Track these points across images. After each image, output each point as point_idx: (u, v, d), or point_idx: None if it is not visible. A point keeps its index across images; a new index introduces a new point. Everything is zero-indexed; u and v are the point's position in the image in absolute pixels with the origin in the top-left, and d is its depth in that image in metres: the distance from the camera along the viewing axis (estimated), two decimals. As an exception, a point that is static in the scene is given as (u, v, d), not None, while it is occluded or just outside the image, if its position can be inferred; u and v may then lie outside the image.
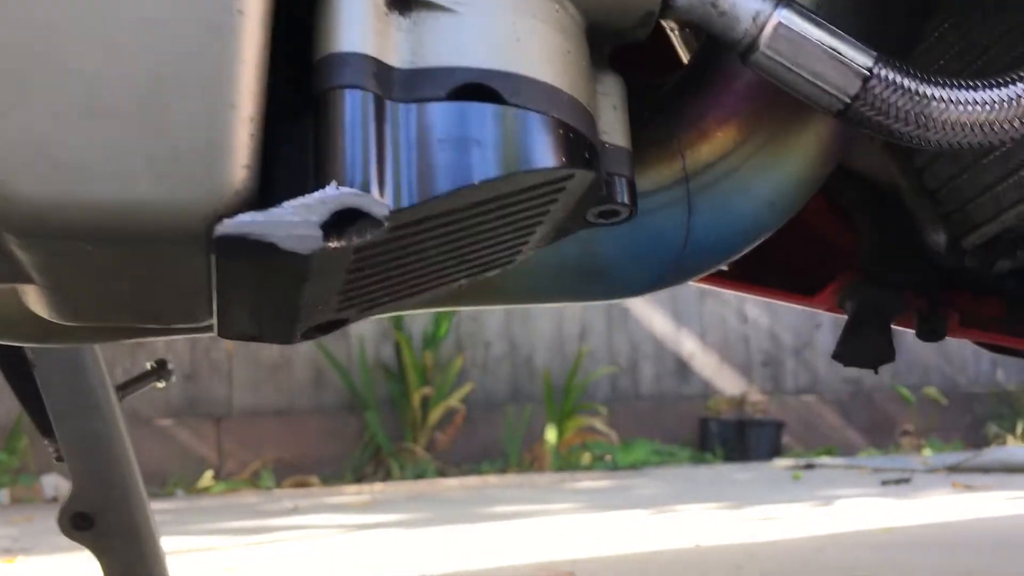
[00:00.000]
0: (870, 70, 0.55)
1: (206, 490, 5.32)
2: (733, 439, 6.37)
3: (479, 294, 0.65)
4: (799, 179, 0.64)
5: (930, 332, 0.80)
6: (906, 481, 4.06)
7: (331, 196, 0.42)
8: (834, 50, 0.55)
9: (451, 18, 0.47)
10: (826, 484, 4.18)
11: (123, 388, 0.92)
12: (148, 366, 0.96)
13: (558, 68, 0.49)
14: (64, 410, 0.87)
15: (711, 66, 0.63)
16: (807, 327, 6.79)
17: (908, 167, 0.79)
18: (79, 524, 0.91)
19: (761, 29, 0.55)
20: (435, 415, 5.84)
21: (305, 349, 5.70)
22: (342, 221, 0.43)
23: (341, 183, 0.43)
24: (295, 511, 3.98)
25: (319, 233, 0.42)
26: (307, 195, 0.42)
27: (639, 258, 0.64)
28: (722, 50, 0.61)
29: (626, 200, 0.53)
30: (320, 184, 0.43)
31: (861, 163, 0.84)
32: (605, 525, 2.96)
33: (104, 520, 0.91)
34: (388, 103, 0.45)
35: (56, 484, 5.31)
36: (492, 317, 6.17)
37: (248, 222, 0.42)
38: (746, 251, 0.66)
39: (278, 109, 0.45)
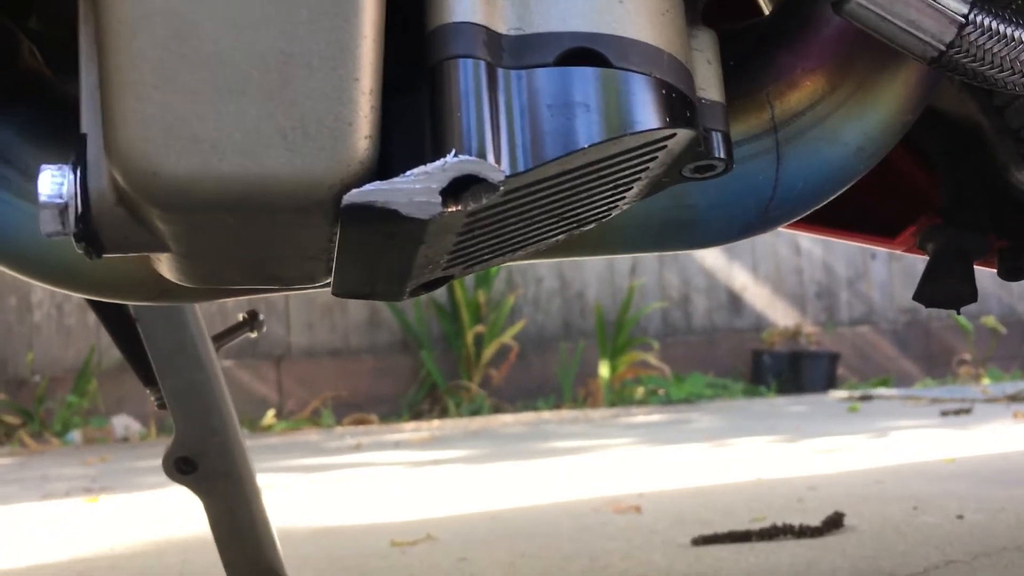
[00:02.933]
0: (966, 16, 0.55)
1: (269, 428, 5.47)
2: (787, 371, 6.36)
3: (571, 247, 0.67)
4: (887, 125, 0.65)
5: (1013, 271, 0.81)
6: (967, 412, 4.03)
7: (451, 164, 0.44)
8: (929, -3, 0.55)
9: (556, -17, 0.48)
10: (884, 415, 4.17)
11: (219, 339, 0.96)
12: (240, 317, 0.99)
13: (658, 28, 0.50)
14: (167, 362, 0.91)
15: (799, 14, 0.63)
16: (861, 258, 6.71)
17: (988, 106, 0.79)
18: (183, 468, 0.96)
19: (855, -21, 0.55)
20: (488, 352, 5.91)
21: (359, 289, 5.76)
22: (459, 187, 0.45)
23: (459, 151, 0.45)
24: (358, 448, 4.09)
25: (439, 199, 0.45)
26: (428, 163, 0.44)
27: (728, 208, 0.65)
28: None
29: (722, 155, 0.55)
30: (438, 152, 0.45)
31: (940, 102, 0.84)
32: (664, 459, 3.00)
33: (206, 464, 0.96)
34: (499, 70, 0.46)
35: (126, 424, 5.50)
36: (543, 254, 6.17)
37: (373, 190, 0.44)
38: (833, 197, 0.67)
39: (388, 79, 0.47)
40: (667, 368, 6.21)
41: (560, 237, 0.58)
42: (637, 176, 0.54)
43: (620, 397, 5.99)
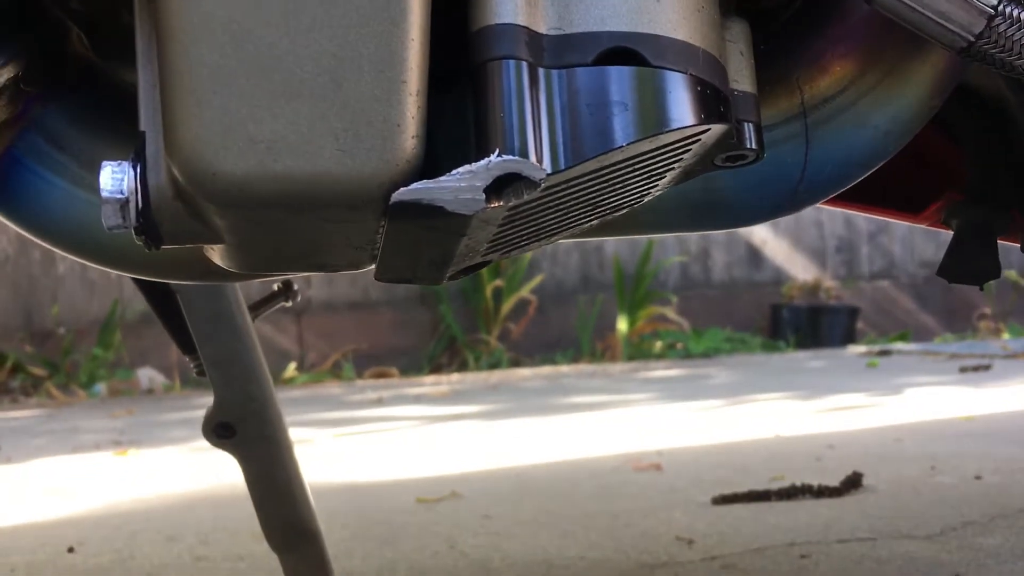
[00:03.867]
0: (995, 8, 0.56)
1: (291, 381, 5.54)
2: (806, 326, 6.36)
3: (603, 228, 0.68)
4: (915, 109, 0.66)
5: (1036, 248, 0.82)
6: (986, 368, 4.04)
7: (495, 163, 0.46)
8: (959, -12, 0.56)
9: (595, -17, 0.49)
10: (902, 371, 4.19)
11: (255, 309, 0.99)
12: (275, 287, 1.02)
13: (694, 25, 0.51)
14: (206, 332, 0.94)
15: (829, 3, 0.64)
16: (883, 212, 6.64)
17: (1015, 82, 0.80)
18: (222, 433, 0.99)
19: (886, -30, 0.56)
20: (507, 306, 5.94)
21: (378, 243, 5.79)
22: (501, 184, 0.47)
23: (502, 150, 0.46)
24: (380, 402, 4.15)
25: (482, 196, 0.47)
26: (473, 163, 0.46)
27: (758, 190, 0.67)
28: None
29: (754, 145, 0.56)
30: (482, 150, 0.47)
31: (967, 77, 0.85)
32: (683, 415, 3.04)
33: (244, 429, 0.99)
34: (540, 70, 0.48)
35: (151, 376, 5.59)
36: (563, 209, 6.17)
37: (421, 188, 0.46)
38: (859, 180, 0.69)
39: (433, 77, 0.48)
40: (685, 322, 6.23)
41: (594, 223, 0.60)
42: (671, 167, 0.55)
43: (638, 351, 6.02)
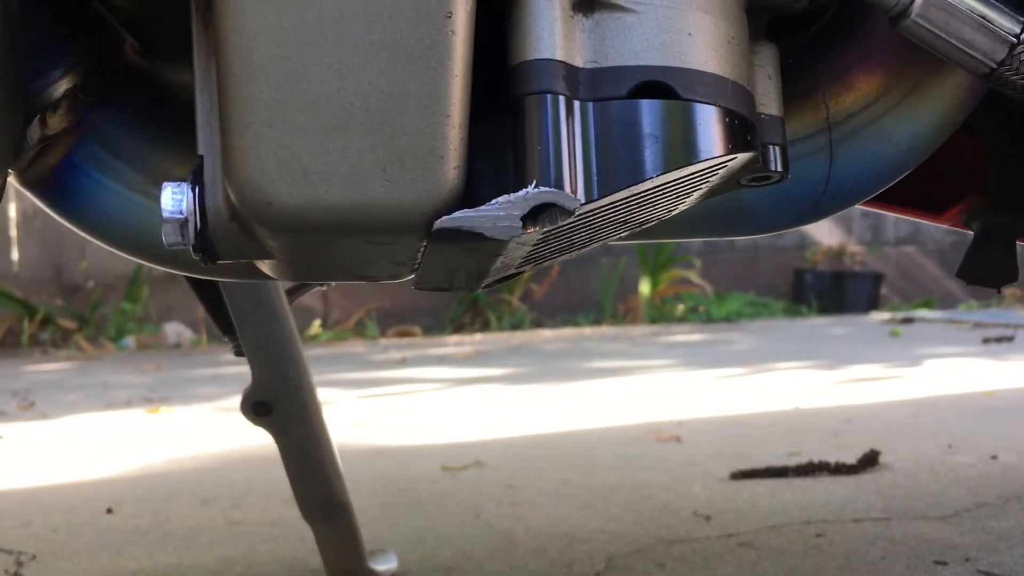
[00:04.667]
0: (1017, 36, 0.58)
1: (315, 338, 5.62)
2: (829, 291, 6.35)
3: (630, 235, 0.71)
4: (938, 126, 0.68)
5: (1055, 253, 0.84)
6: (1009, 339, 4.04)
7: (532, 194, 0.49)
8: (983, 17, 0.58)
9: (630, 17, 0.51)
10: (925, 341, 4.19)
11: (291, 293, 1.02)
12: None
13: (724, 57, 0.53)
14: (245, 314, 0.98)
15: (856, 18, 0.66)
16: (911, 178, 6.59)
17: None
18: (259, 411, 1.03)
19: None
20: (530, 267, 5.96)
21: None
22: (537, 212, 0.50)
23: (539, 181, 0.49)
24: (403, 363, 4.20)
25: (519, 224, 0.49)
26: (511, 194, 0.49)
27: (781, 201, 0.69)
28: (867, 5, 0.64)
29: (779, 168, 0.58)
30: (520, 180, 0.50)
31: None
32: (704, 383, 3.07)
33: (281, 407, 1.03)
34: (576, 102, 0.51)
35: (178, 331, 5.68)
36: (587, 171, 6.16)
37: (462, 217, 0.49)
38: (881, 191, 0.71)
39: (473, 107, 0.51)
40: (708, 286, 6.24)
41: (623, 235, 0.63)
42: (698, 188, 0.58)
43: (660, 314, 6.04)
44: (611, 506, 1.54)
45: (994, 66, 0.59)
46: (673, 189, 0.56)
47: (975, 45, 0.58)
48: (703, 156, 0.51)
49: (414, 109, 0.48)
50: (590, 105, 0.51)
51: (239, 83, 0.47)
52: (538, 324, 5.98)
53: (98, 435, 2.48)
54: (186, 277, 1.02)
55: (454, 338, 5.50)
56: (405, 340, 5.52)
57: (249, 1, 0.46)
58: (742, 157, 0.54)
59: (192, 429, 2.54)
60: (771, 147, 0.58)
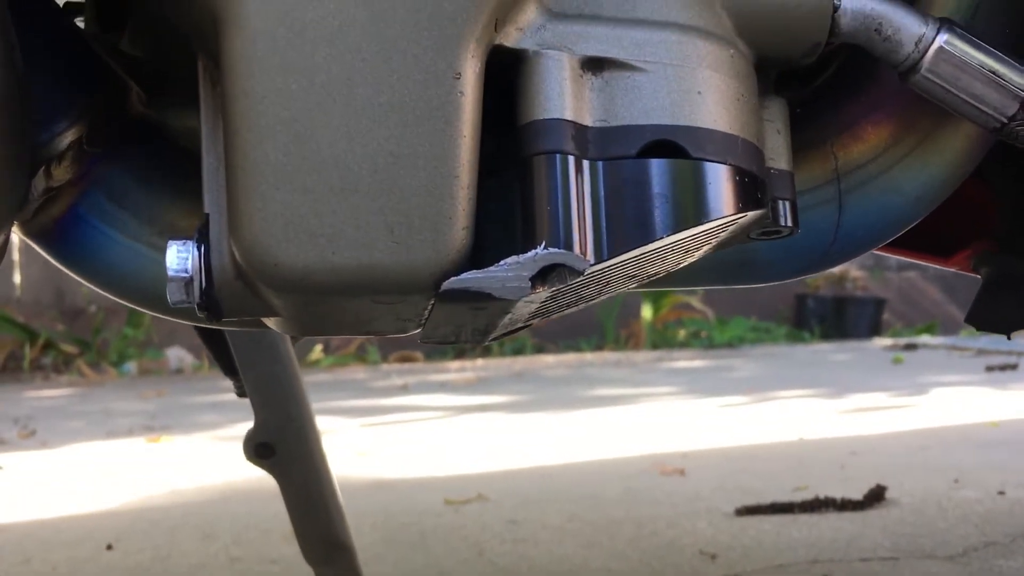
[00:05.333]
0: (1028, 92, 0.57)
1: (317, 363, 5.60)
2: (831, 316, 6.34)
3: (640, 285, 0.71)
4: (947, 177, 0.67)
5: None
6: (1012, 367, 4.03)
7: (541, 256, 0.48)
8: (994, 72, 0.58)
9: (640, 76, 0.51)
10: (928, 368, 4.18)
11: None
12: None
13: (733, 115, 0.53)
14: (248, 356, 0.97)
15: (864, 70, 0.65)
16: (913, 204, 6.60)
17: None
18: (262, 453, 1.03)
19: (923, 54, 0.57)
20: (532, 291, 5.95)
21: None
22: (545, 272, 0.49)
23: (548, 242, 0.49)
24: (405, 389, 4.19)
25: (528, 285, 0.49)
26: (520, 255, 0.48)
27: (790, 252, 0.69)
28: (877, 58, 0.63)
29: (789, 223, 0.58)
30: (528, 240, 0.49)
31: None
32: (707, 411, 3.06)
33: (283, 449, 1.03)
34: (585, 162, 0.50)
35: (180, 356, 5.67)
36: (589, 196, 6.17)
37: (470, 278, 0.48)
38: (889, 241, 0.70)
39: (486, 172, 0.51)
40: (710, 311, 6.22)
41: (631, 287, 0.63)
42: (707, 244, 0.57)
43: (662, 339, 6.03)
44: (616, 543, 1.52)
45: (1005, 121, 0.58)
46: (682, 245, 0.55)
47: (986, 100, 0.58)
48: (713, 215, 0.51)
49: (423, 170, 0.48)
50: (599, 164, 0.50)
51: (246, 145, 0.47)
52: (540, 349, 5.96)
53: (100, 465, 2.46)
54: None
55: (456, 363, 5.49)
56: (406, 366, 5.51)
57: (258, 64, 0.46)
58: (752, 214, 0.54)
59: (193, 459, 2.52)
60: (781, 202, 0.58)
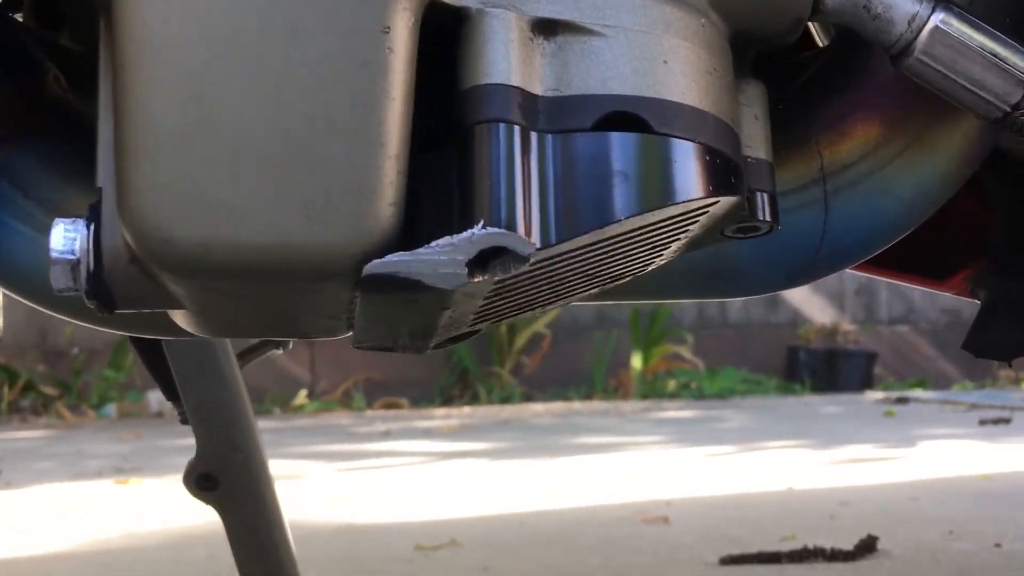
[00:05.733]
0: (1034, 77, 0.52)
1: (300, 409, 5.51)
2: (822, 369, 6.28)
3: (604, 294, 0.64)
4: (944, 178, 0.61)
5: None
6: (1006, 421, 3.96)
7: (479, 236, 0.42)
8: (996, 56, 0.52)
9: (598, 42, 0.45)
10: (920, 422, 4.10)
11: (243, 356, 0.95)
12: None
13: (704, 89, 0.47)
14: (190, 379, 0.90)
15: (853, 60, 0.60)
16: (904, 257, 6.59)
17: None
18: (204, 485, 0.95)
19: (917, 34, 0.52)
20: (521, 340, 5.90)
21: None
22: (486, 258, 0.43)
23: (488, 221, 0.42)
24: (388, 435, 4.09)
25: (464, 270, 0.42)
26: (455, 235, 0.42)
27: (771, 260, 0.62)
28: (865, 44, 0.58)
29: (767, 217, 0.52)
30: (466, 221, 0.43)
31: (1000, 140, 0.80)
32: (694, 461, 2.97)
33: (228, 481, 0.95)
34: (533, 134, 0.44)
35: (161, 399, 5.56)
36: (579, 244, 6.16)
37: (396, 261, 0.42)
38: (881, 250, 0.64)
39: (417, 139, 0.44)
40: (700, 362, 6.16)
41: (593, 291, 0.56)
42: (676, 238, 0.51)
43: (652, 389, 5.95)
44: (592, 593, 1.44)
45: (1008, 109, 0.52)
46: (647, 238, 0.49)
47: (986, 86, 0.52)
48: (680, 197, 0.45)
49: (343, 136, 0.41)
50: (549, 138, 0.44)
51: (134, 100, 0.40)
52: (528, 398, 5.88)
53: (60, 506, 2.36)
54: (129, 338, 0.95)
55: (441, 411, 5.39)
56: (391, 412, 5.41)
57: (147, 4, 0.39)
58: (725, 202, 0.47)
59: (158, 501, 2.42)
60: (759, 194, 0.52)
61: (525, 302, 0.52)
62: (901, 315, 6.75)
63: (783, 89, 0.61)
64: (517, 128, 0.43)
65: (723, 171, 0.47)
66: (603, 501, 2.27)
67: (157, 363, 0.91)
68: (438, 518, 2.09)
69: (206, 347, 0.89)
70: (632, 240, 0.48)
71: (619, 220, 0.43)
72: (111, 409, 5.48)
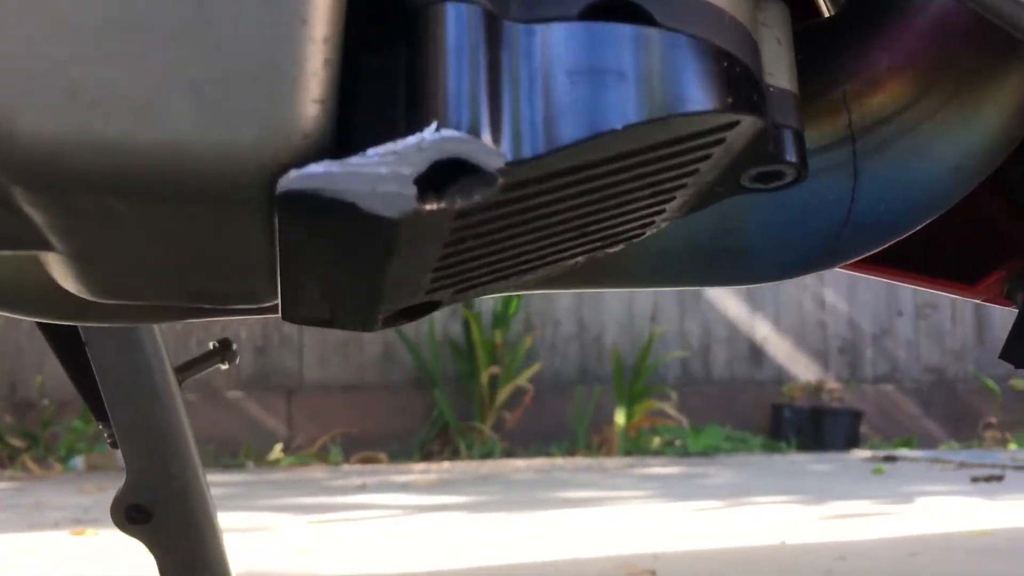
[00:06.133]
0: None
1: (276, 463, 5.34)
2: (808, 427, 6.19)
3: (592, 274, 0.54)
4: (991, 139, 0.52)
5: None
6: (998, 479, 3.85)
7: (430, 141, 0.32)
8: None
9: (585, -87, 0.36)
10: (911, 479, 3.99)
11: (182, 370, 0.84)
12: (211, 345, 0.87)
13: (719, -18, 0.37)
14: (118, 393, 0.79)
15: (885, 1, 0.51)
16: (887, 313, 6.58)
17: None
18: (134, 517, 0.83)
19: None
20: (503, 394, 5.78)
21: (374, 325, 5.69)
22: (443, 176, 0.32)
23: (443, 124, 0.32)
24: (363, 488, 3.94)
25: (413, 190, 0.32)
26: (401, 140, 0.32)
27: (789, 235, 0.52)
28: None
29: (794, 158, 0.42)
30: (415, 126, 0.33)
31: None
32: (680, 516, 2.84)
33: (162, 513, 0.83)
34: (505, 23, 0.34)
35: (129, 452, 5.38)
36: (562, 296, 6.10)
37: (321, 174, 0.32)
38: (918, 227, 0.54)
39: (361, 35, 0.34)
40: (684, 418, 6.04)
41: (579, 259, 0.46)
42: (683, 180, 0.41)
43: (635, 446, 5.82)
44: (574, 650, 1.31)
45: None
46: (648, 175, 0.39)
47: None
48: (691, 106, 0.35)
49: (249, 5, 0.31)
50: (524, 28, 0.34)
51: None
52: (510, 453, 5.75)
53: (8, 554, 2.21)
54: (47, 338, 0.83)
55: (420, 466, 5.24)
56: (369, 467, 5.26)
57: None
58: (746, 125, 0.38)
59: (112, 553, 2.28)
60: (784, 130, 0.42)
61: (496, 262, 0.42)
62: (885, 373, 6.70)
63: (804, 32, 0.52)
64: (481, 9, 0.34)
65: (743, 84, 0.37)
66: (585, 554, 2.14)
67: (82, 375, 0.80)
68: (408, 571, 1.96)
69: (136, 353, 0.78)
70: (629, 173, 0.38)
71: (614, 129, 0.34)
72: (78, 461, 5.31)
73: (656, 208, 0.43)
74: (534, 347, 5.99)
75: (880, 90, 0.51)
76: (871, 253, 0.56)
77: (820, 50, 0.52)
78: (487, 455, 5.59)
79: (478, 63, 0.33)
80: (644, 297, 6.23)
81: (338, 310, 0.42)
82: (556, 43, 0.34)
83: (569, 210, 0.40)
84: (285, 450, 5.53)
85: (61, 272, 0.39)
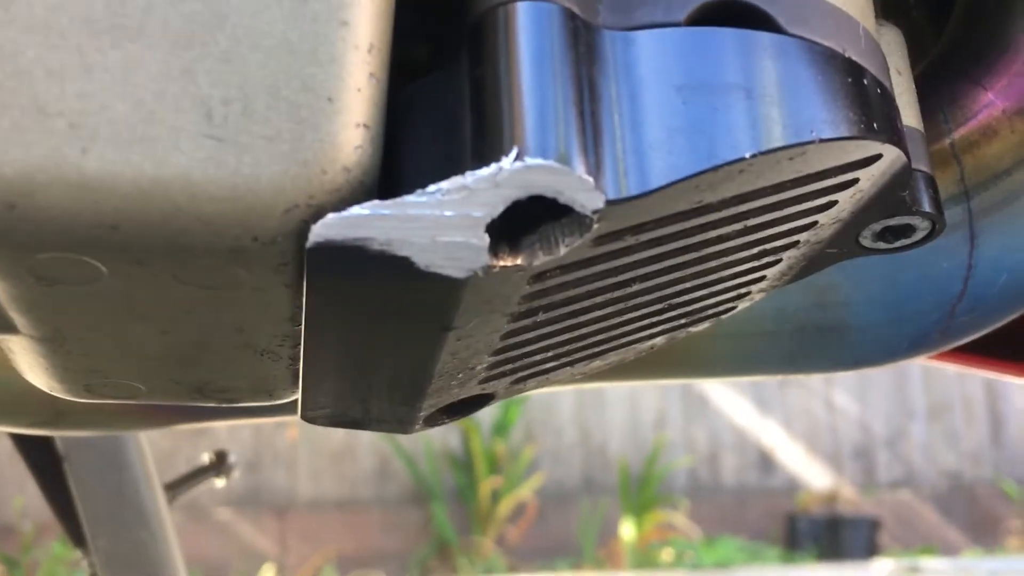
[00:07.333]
0: None
1: (267, 590, 5.14)
2: (825, 537, 6.03)
3: (662, 364, 0.46)
4: None
5: None
6: (1031, 588, 3.68)
7: (509, 172, 0.24)
8: None
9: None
10: (939, 590, 3.82)
11: (173, 487, 0.74)
12: (206, 459, 0.78)
13: (847, -8, 0.30)
14: (100, 516, 0.69)
15: (998, 31, 0.44)
16: (899, 416, 6.49)
17: None
18: (117, 659, 0.72)
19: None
20: (505, 507, 5.62)
21: (369, 436, 5.58)
22: (521, 219, 0.25)
23: (523, 150, 0.24)
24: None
25: (485, 240, 0.24)
26: (469, 172, 0.24)
27: (896, 311, 0.44)
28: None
29: (930, 208, 0.34)
30: (484, 155, 0.25)
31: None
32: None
33: (148, 655, 0.72)
34: (598, 32, 0.27)
35: (119, 577, 5.17)
36: (563, 402, 6.02)
37: (366, 217, 0.24)
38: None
39: (412, 45, 0.27)
40: (695, 529, 5.87)
41: (658, 340, 0.38)
42: (795, 237, 0.33)
43: (645, 559, 5.63)
44: None
45: None
46: (756, 232, 0.31)
47: None
48: (833, 131, 0.27)
49: (278, 7, 0.24)
50: (620, 36, 0.27)
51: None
52: (512, 569, 5.55)
53: None
54: (22, 454, 0.74)
55: (421, 584, 5.04)
56: (367, 587, 5.06)
57: None
58: (888, 160, 0.30)
59: None
60: (917, 175, 0.35)
61: (568, 340, 0.34)
62: (901, 478, 6.56)
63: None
64: (563, 12, 0.26)
65: (886, 110, 0.30)
66: None
67: (60, 495, 0.70)
68: None
69: (121, 470, 0.69)
70: (735, 231, 0.30)
71: (742, 157, 0.26)
72: (59, 591, 5.11)
73: (757, 274, 0.35)
74: (536, 457, 5.87)
75: (995, 137, 0.44)
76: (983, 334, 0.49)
77: (921, 92, 0.45)
78: (489, 571, 5.40)
79: (564, 75, 0.26)
80: (648, 402, 6.14)
81: (372, 406, 0.34)
82: (662, 53, 0.27)
83: (660, 274, 0.32)
84: (278, 572, 5.33)
85: (28, 362, 0.30)
